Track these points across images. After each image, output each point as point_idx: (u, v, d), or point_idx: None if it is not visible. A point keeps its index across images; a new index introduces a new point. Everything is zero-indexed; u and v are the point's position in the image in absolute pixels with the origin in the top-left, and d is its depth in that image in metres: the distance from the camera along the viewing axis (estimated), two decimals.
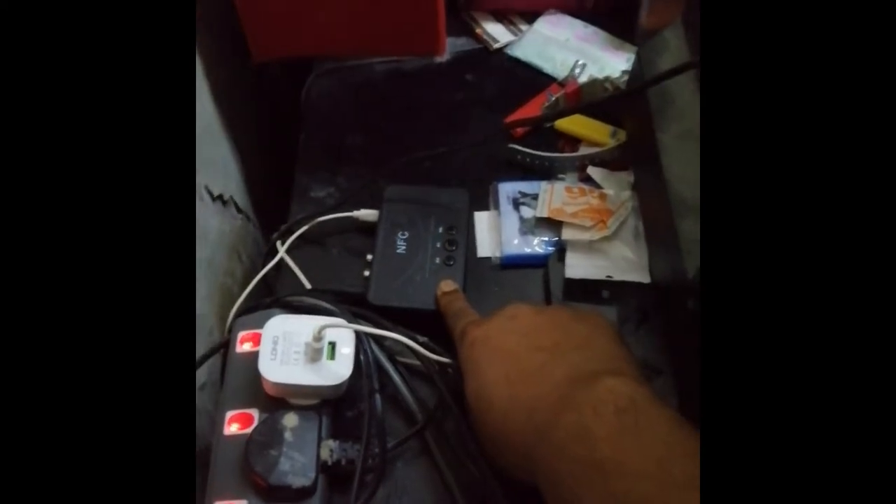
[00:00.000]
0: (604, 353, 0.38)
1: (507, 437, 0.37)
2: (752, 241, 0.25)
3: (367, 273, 0.50)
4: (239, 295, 0.70)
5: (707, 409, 0.24)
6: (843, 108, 0.25)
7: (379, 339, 0.46)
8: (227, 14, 0.65)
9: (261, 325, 0.46)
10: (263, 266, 0.55)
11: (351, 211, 0.54)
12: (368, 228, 0.54)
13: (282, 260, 0.53)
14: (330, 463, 0.41)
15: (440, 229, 0.52)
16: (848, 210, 0.24)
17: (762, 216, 0.25)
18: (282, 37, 0.62)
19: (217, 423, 0.44)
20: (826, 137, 0.25)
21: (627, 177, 0.54)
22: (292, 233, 0.54)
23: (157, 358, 0.25)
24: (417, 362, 0.46)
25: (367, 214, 0.54)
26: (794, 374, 0.23)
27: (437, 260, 0.50)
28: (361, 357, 0.44)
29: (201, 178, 0.62)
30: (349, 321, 0.44)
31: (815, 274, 0.24)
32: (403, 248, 0.51)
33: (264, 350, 0.42)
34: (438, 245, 0.51)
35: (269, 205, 0.80)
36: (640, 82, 0.50)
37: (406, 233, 0.51)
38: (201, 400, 0.58)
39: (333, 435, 0.43)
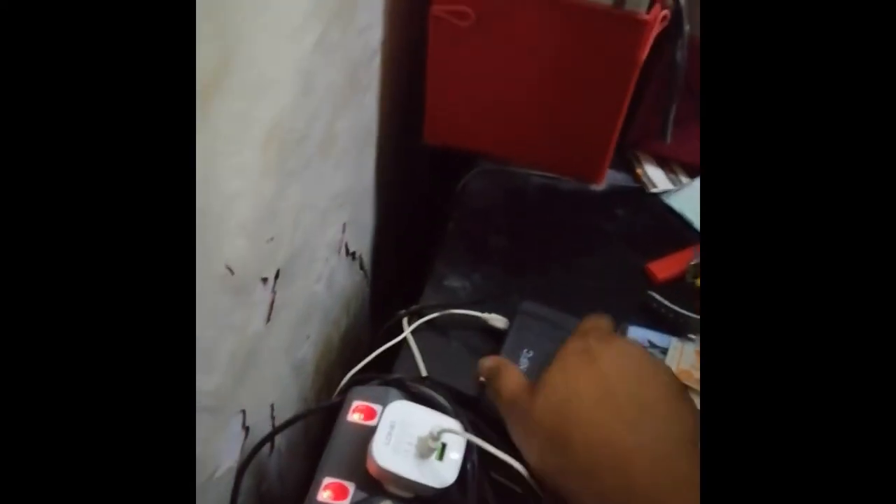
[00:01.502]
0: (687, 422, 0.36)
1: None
2: (752, 247, 0.26)
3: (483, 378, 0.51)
4: (338, 345, 0.73)
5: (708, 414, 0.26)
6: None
7: (485, 452, 0.46)
8: (411, 93, 0.69)
9: (376, 399, 0.47)
10: (377, 335, 0.57)
11: (482, 310, 0.55)
12: (493, 332, 0.55)
13: (404, 339, 0.55)
14: None
15: None
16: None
17: (762, 227, 0.26)
18: (458, 127, 0.65)
19: (313, 485, 0.45)
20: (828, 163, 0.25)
21: None
22: (421, 315, 0.56)
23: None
24: (517, 488, 0.45)
25: (496, 319, 0.55)
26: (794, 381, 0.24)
27: None
28: (467, 466, 0.44)
29: (345, 236, 0.65)
30: (466, 428, 0.45)
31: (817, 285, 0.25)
32: (526, 366, 0.51)
33: (380, 432, 0.43)
34: None
35: (388, 270, 0.83)
36: None
37: (532, 352, 0.52)
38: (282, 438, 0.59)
39: None
